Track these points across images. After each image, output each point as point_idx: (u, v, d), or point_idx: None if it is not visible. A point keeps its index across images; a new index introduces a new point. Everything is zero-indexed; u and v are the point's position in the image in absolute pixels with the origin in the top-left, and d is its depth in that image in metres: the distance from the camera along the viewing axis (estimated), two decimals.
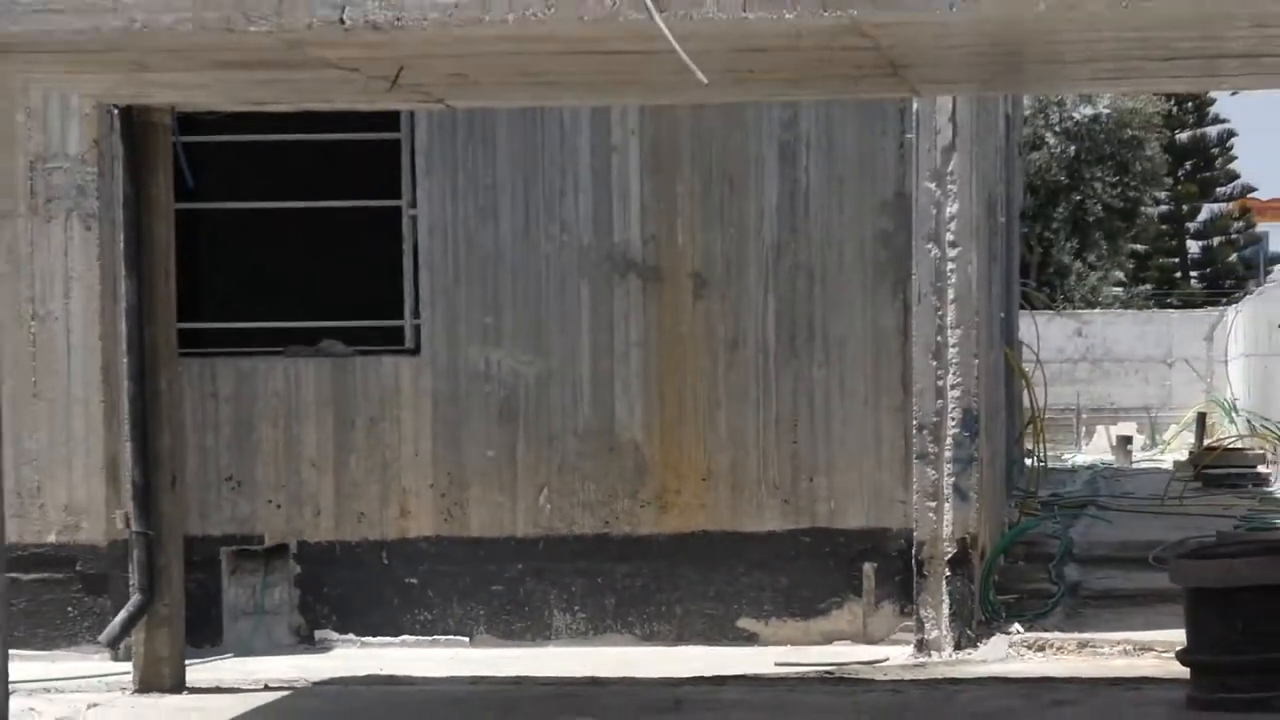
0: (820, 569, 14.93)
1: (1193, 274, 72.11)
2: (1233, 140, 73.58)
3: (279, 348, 15.27)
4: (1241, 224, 72.86)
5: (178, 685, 13.63)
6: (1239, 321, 38.64)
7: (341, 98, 12.97)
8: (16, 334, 14.72)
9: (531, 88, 12.89)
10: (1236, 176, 74.42)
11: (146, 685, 13.60)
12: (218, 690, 13.51)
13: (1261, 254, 64.28)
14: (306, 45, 10.80)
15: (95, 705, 13.13)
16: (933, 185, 14.62)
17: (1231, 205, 73.45)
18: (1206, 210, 73.63)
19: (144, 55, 11.25)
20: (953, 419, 14.66)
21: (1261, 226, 69.40)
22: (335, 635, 15.16)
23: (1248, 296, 42.04)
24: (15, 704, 11.76)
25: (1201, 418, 33.55)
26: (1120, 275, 62.63)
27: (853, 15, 10.07)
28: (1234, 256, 71.70)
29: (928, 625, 14.66)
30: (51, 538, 15.04)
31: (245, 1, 10.36)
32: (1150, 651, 14.18)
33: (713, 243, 14.92)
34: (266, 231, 15.91)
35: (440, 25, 10.34)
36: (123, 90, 12.97)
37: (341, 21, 10.33)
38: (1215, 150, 73.40)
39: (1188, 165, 71.77)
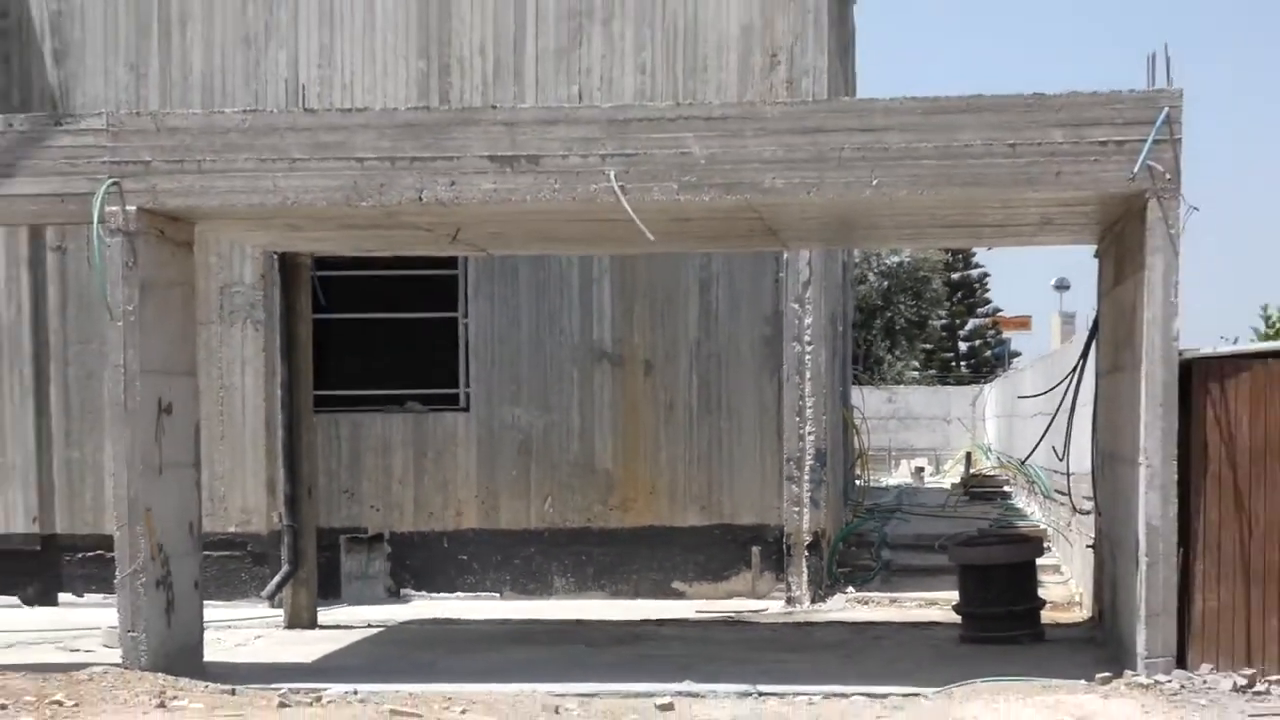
0: (725, 550, 14.90)
1: (963, 363, 72.10)
2: (988, 278, 73.52)
3: (379, 407, 15.25)
4: (993, 332, 72.81)
5: (312, 624, 13.57)
6: (992, 394, 38.62)
7: (420, 247, 13.01)
8: (210, 399, 14.67)
9: (542, 242, 12.94)
10: (990, 302, 74.35)
11: (292, 624, 13.55)
12: (338, 627, 13.44)
13: (1005, 351, 64.29)
14: (398, 214, 10.84)
15: (259, 636, 13.07)
16: (796, 306, 14.67)
17: (987, 320, 73.38)
18: (971, 323, 73.62)
19: (294, 220, 11.28)
20: (810, 455, 14.68)
21: (1006, 334, 69.35)
22: (413, 592, 15.09)
23: (997, 379, 42.07)
24: (208, 635, 11.73)
25: (968, 455, 33.57)
26: (916, 364, 62.64)
27: (747, 199, 10.16)
28: (989, 353, 71.63)
29: (793, 587, 14.64)
30: (232, 529, 14.96)
31: (359, 186, 10.40)
32: (936, 605, 14.18)
33: (657, 341, 14.94)
34: (372, 331, 15.88)
35: (483, 203, 10.39)
36: (279, 242, 13.00)
37: (420, 199, 10.38)
38: (977, 285, 73.36)
39: (959, 294, 71.80)
